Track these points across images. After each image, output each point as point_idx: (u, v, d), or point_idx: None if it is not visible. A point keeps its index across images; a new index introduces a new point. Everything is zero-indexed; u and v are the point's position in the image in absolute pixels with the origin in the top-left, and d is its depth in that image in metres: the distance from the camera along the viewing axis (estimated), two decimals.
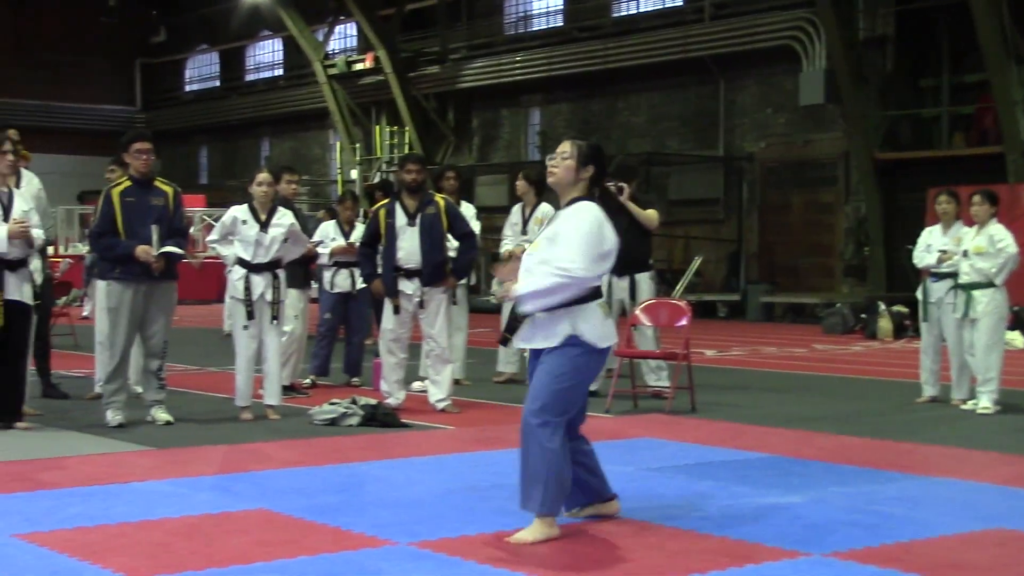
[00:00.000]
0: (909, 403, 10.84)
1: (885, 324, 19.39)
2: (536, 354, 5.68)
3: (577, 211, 5.61)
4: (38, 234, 8.86)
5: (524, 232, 11.93)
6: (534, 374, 5.66)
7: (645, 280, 11.01)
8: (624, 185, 10.78)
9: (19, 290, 8.72)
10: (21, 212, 8.70)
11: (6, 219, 8.61)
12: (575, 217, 5.58)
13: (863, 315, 20.36)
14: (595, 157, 5.73)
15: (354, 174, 33.49)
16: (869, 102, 23.28)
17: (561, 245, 5.50)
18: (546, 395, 5.53)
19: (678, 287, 23.30)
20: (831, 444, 8.46)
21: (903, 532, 5.69)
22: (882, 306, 19.82)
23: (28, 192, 9.16)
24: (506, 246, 12.12)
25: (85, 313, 20.79)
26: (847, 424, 9.49)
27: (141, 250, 8.86)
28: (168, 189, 9.23)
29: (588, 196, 5.69)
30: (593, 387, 11.60)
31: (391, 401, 9.89)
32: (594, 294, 5.63)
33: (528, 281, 5.54)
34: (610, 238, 5.61)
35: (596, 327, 5.59)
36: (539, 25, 31.99)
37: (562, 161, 5.70)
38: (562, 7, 31.20)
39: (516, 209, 12.34)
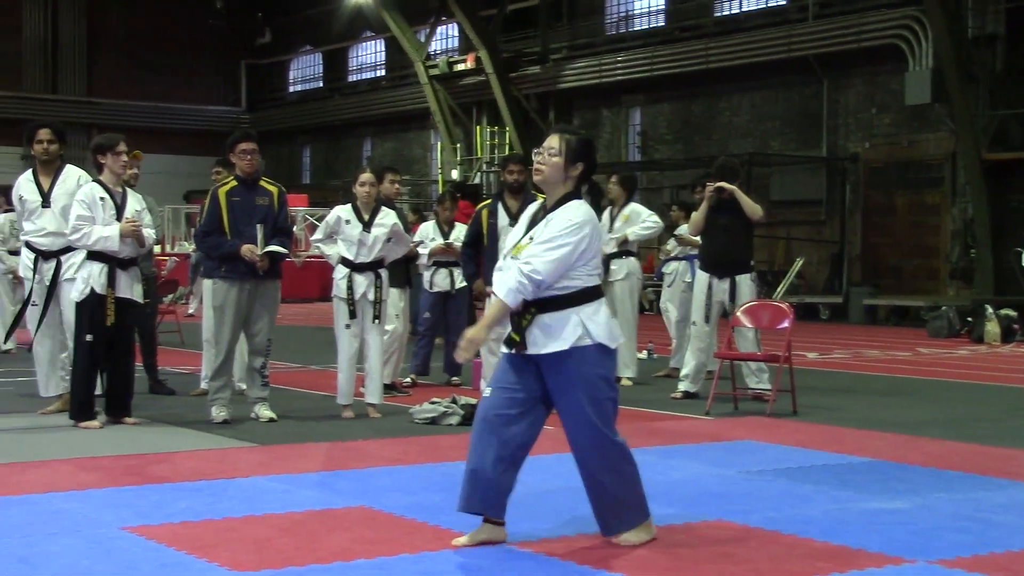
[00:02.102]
0: (1018, 408, 10.63)
1: (992, 328, 19.00)
2: (529, 357, 5.41)
3: (566, 211, 5.35)
4: (149, 234, 9.05)
5: (611, 231, 12.03)
6: (555, 391, 5.39)
7: (746, 282, 10.92)
8: (724, 186, 10.74)
9: (130, 288, 8.92)
10: (133, 212, 8.90)
11: (119, 219, 8.81)
12: (561, 218, 5.33)
13: (969, 318, 19.97)
14: (585, 152, 5.42)
15: (455, 174, 33.68)
16: (978, 101, 22.84)
17: (536, 244, 5.30)
18: (600, 416, 5.35)
19: (779, 289, 23.10)
20: (936, 449, 8.31)
21: (1012, 541, 5.58)
22: (989, 309, 19.42)
23: (66, 187, 9.30)
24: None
25: (191, 311, 21.18)
26: (953, 429, 9.32)
27: (246, 249, 9.00)
28: (273, 189, 9.36)
29: (576, 193, 5.43)
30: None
31: None
32: (597, 292, 5.40)
33: (500, 280, 5.35)
34: (594, 243, 5.35)
35: (605, 325, 5.37)
36: (640, 25, 31.87)
37: (549, 157, 5.37)
38: (664, 7, 31.05)
39: (605, 211, 12.43)
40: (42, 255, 9.30)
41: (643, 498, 5.48)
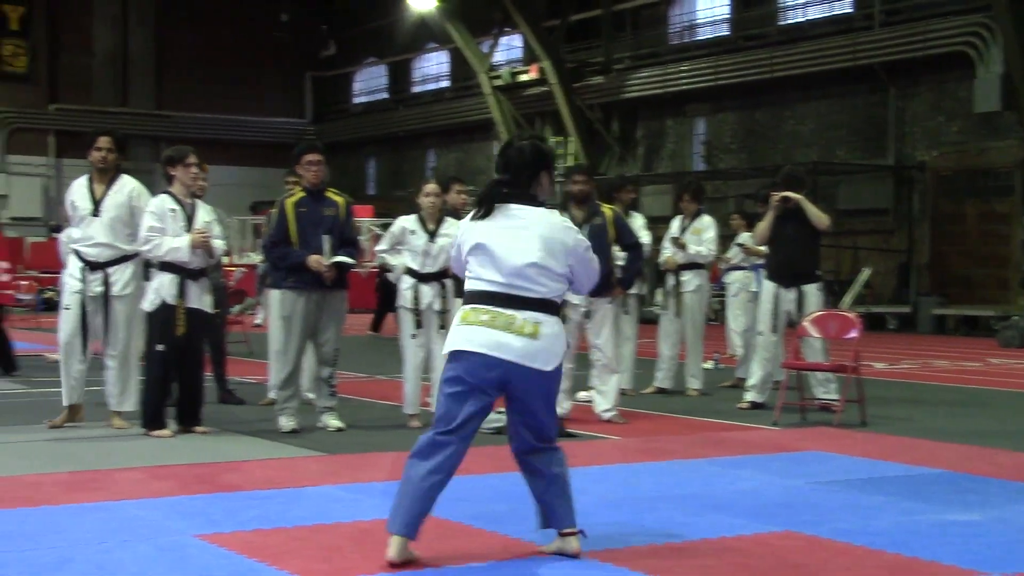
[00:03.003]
0: None
1: None
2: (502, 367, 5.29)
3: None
4: (218, 245, 9.14)
5: (674, 242, 12.15)
6: (522, 397, 5.37)
7: (813, 291, 10.86)
8: (790, 195, 10.69)
9: (200, 298, 9.02)
10: (203, 223, 8.99)
11: (189, 230, 8.92)
12: None
13: None
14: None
15: None
16: None
17: None
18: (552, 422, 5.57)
19: (846, 298, 22.91)
20: (1010, 461, 8.20)
21: None
22: None
23: (119, 198, 9.15)
24: (665, 254, 12.28)
25: (258, 321, 21.34)
26: None
27: (313, 259, 9.08)
28: (339, 200, 9.43)
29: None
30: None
31: (557, 411, 9.90)
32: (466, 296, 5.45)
33: None
34: (456, 248, 5.57)
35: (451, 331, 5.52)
36: (705, 34, 31.78)
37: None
38: (728, 16, 30.95)
39: (675, 221, 12.48)
40: (89, 266, 9.13)
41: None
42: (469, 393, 5.34)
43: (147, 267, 9.25)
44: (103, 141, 9.18)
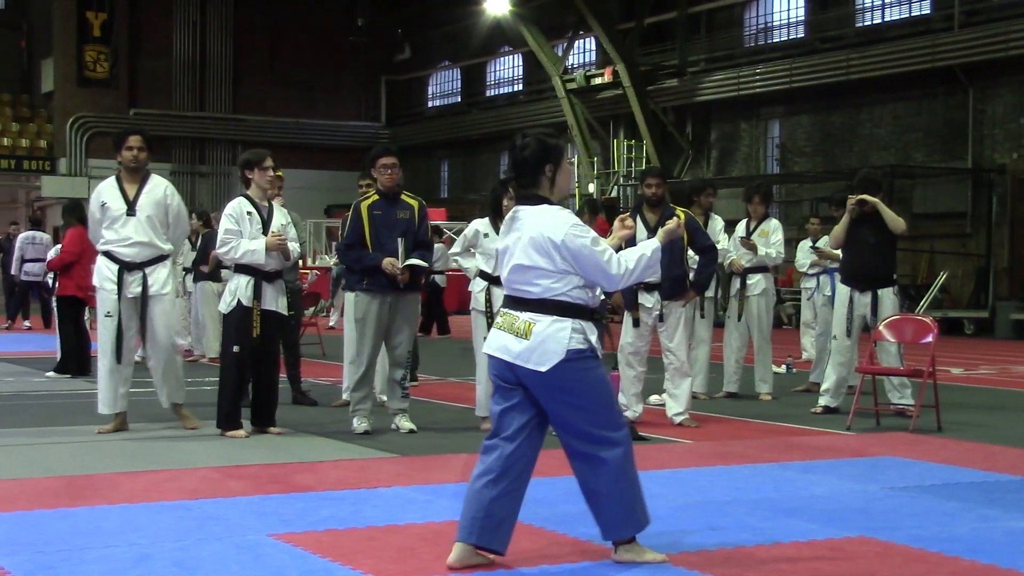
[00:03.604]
0: None
1: None
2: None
3: None
4: (294, 247, 9.24)
5: (743, 243, 12.19)
6: (536, 397, 5.36)
7: (888, 295, 10.76)
8: (866, 198, 10.60)
9: (275, 301, 9.12)
10: (279, 226, 9.10)
11: (265, 232, 9.02)
12: None
13: None
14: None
15: (591, 188, 33.69)
16: None
17: None
18: None
19: (922, 303, 22.64)
20: None
21: None
22: None
23: (153, 196, 9.06)
24: (730, 256, 12.24)
25: (332, 323, 21.54)
26: None
27: (387, 262, 9.14)
28: (413, 203, 9.49)
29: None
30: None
31: (629, 414, 9.91)
32: None
33: None
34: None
35: None
36: (780, 36, 31.55)
37: None
38: (804, 18, 30.71)
39: (742, 224, 12.43)
40: (126, 266, 8.99)
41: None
42: (500, 393, 5.43)
43: (222, 268, 9.34)
44: (134, 140, 9.06)
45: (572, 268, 5.27)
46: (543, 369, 5.23)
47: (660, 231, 5.76)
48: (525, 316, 5.30)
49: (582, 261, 5.27)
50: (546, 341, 5.24)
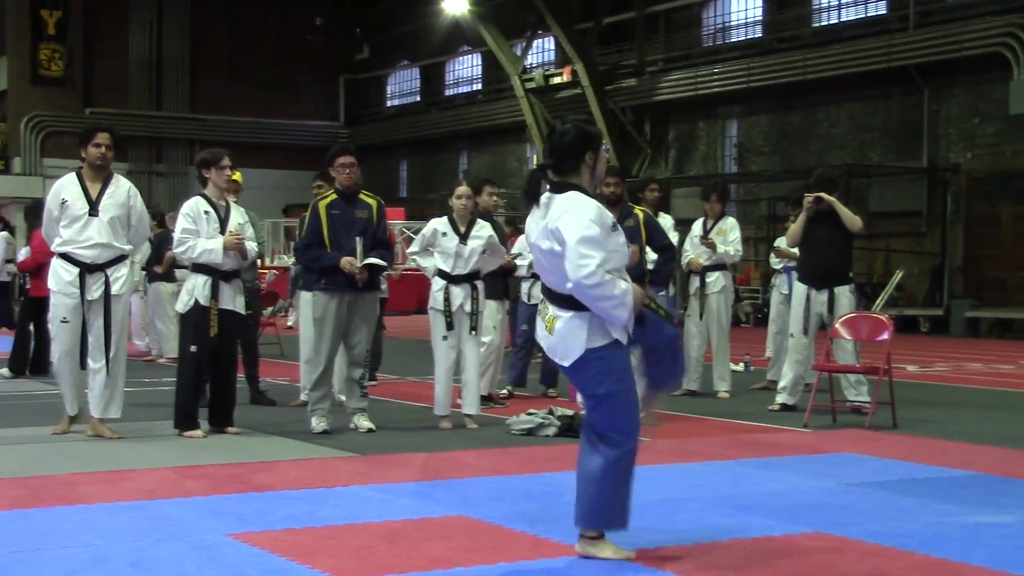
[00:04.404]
0: None
1: None
2: None
3: None
4: (252, 246, 9.21)
5: (702, 242, 12.24)
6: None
7: (845, 293, 10.83)
8: (823, 196, 10.67)
9: (233, 300, 9.09)
10: (237, 225, 9.06)
11: (223, 232, 8.97)
12: None
13: None
14: None
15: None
16: None
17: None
18: None
19: (878, 301, 22.82)
20: None
21: None
22: None
23: (116, 198, 8.78)
24: (689, 255, 12.27)
25: (290, 323, 21.45)
26: None
27: (345, 261, 9.13)
28: (372, 202, 9.47)
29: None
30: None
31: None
32: None
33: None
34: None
35: None
36: (738, 36, 31.71)
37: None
38: (762, 18, 30.87)
39: (698, 222, 12.47)
40: (87, 268, 8.68)
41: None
42: None
43: (178, 268, 9.26)
44: (103, 137, 8.76)
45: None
46: (566, 364, 5.35)
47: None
48: (551, 311, 5.34)
49: (561, 246, 5.17)
50: (566, 337, 5.29)
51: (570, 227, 5.16)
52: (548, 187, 5.41)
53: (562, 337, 5.29)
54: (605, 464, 5.31)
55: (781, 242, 13.40)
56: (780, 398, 10.98)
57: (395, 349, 17.39)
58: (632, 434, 5.34)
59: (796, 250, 11.43)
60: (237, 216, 9.16)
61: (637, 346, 5.48)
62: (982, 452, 8.64)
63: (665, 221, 11.86)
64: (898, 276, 24.61)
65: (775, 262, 13.96)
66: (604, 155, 5.47)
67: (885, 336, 10.17)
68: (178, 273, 13.97)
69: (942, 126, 26.26)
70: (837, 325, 10.45)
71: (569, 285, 5.18)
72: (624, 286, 5.19)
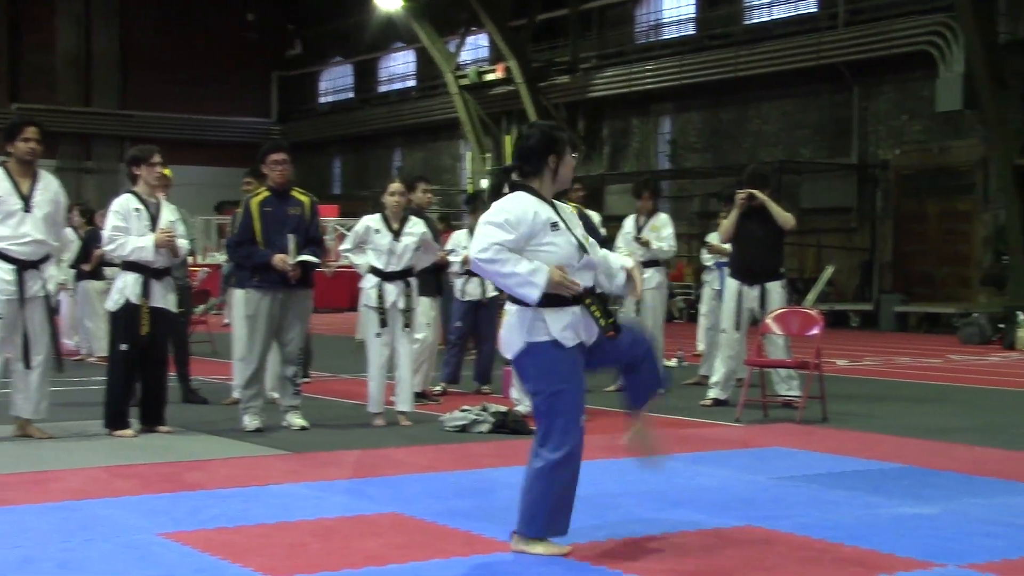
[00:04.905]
0: None
1: None
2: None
3: None
4: (183, 244, 9.13)
5: (637, 241, 12.25)
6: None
7: (776, 289, 10.93)
8: (755, 193, 10.76)
9: (164, 298, 9.01)
10: (167, 222, 8.98)
11: (153, 229, 8.89)
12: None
13: (1001, 325, 19.90)
14: None
15: (484, 184, 33.73)
16: (1009, 107, 22.70)
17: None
18: None
19: (809, 296, 23.05)
20: (968, 456, 8.31)
21: None
22: (1021, 316, 19.35)
23: (48, 194, 8.58)
24: (622, 252, 12.34)
25: (227, 321, 21.28)
26: (985, 436, 9.30)
27: (278, 259, 9.08)
28: (305, 199, 9.43)
29: None
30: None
31: (521, 408, 9.96)
32: None
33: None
34: None
35: None
36: (670, 34, 31.89)
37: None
38: (694, 15, 31.07)
39: (630, 219, 12.53)
40: (22, 265, 8.48)
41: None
42: None
43: (106, 266, 9.12)
44: (31, 131, 8.54)
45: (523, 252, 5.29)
46: (508, 356, 5.42)
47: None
48: (507, 306, 5.46)
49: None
50: (510, 330, 5.38)
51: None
52: (508, 188, 5.54)
53: (507, 329, 5.39)
54: (542, 467, 5.33)
55: (712, 238, 13.50)
56: (712, 393, 11.07)
57: (328, 346, 17.33)
58: (568, 438, 5.32)
59: (728, 246, 11.52)
60: (168, 213, 9.08)
61: (615, 364, 5.59)
62: (909, 445, 8.77)
63: (594, 218, 11.91)
64: (829, 272, 24.86)
65: (706, 258, 14.05)
66: (571, 160, 5.55)
67: (815, 331, 10.28)
68: (107, 271, 13.83)
69: (871, 123, 26.59)
70: (768, 320, 10.55)
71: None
72: (532, 266, 5.24)
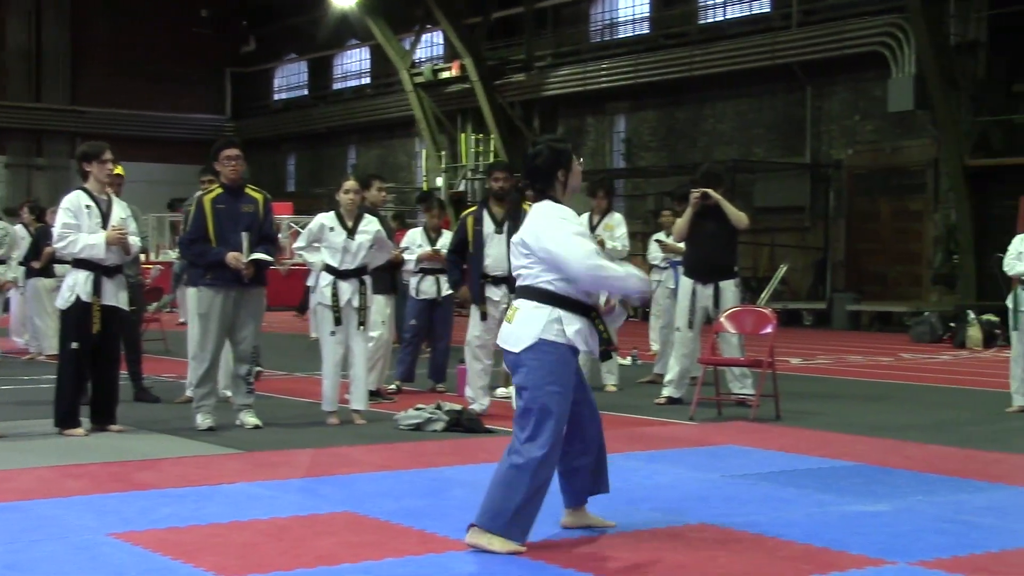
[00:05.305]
0: (999, 413, 10.69)
1: (974, 333, 19.12)
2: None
3: None
4: (134, 241, 9.05)
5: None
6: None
7: (730, 287, 10.98)
8: (709, 192, 10.79)
9: (116, 296, 8.92)
10: (119, 219, 8.89)
11: (105, 226, 8.81)
12: None
13: (952, 324, 20.10)
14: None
15: (439, 181, 33.70)
16: (960, 108, 22.95)
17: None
18: None
19: (763, 295, 23.16)
20: (919, 453, 8.38)
21: (991, 542, 5.63)
22: (971, 315, 19.55)
23: None
24: None
25: (183, 319, 21.13)
26: (935, 433, 9.39)
27: (231, 256, 9.01)
28: (258, 196, 9.37)
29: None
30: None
31: (475, 407, 9.96)
32: None
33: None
34: None
35: None
36: (625, 32, 31.97)
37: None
38: (648, 14, 31.17)
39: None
40: None
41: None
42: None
43: (57, 263, 9.00)
44: None
45: (548, 259, 5.44)
46: (516, 350, 5.43)
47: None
48: (516, 302, 5.55)
49: (548, 248, 5.41)
50: (524, 323, 5.44)
51: (547, 229, 5.46)
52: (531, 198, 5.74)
53: (520, 323, 5.46)
54: (523, 464, 5.35)
55: (660, 236, 13.56)
56: (666, 391, 11.10)
57: (282, 345, 17.26)
58: (553, 440, 5.37)
59: (682, 245, 11.55)
60: (119, 210, 8.99)
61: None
62: (861, 443, 8.83)
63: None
64: (782, 270, 25.00)
65: (653, 257, 14.07)
66: (578, 169, 5.73)
67: (769, 329, 10.34)
68: (57, 268, 13.69)
69: (824, 123, 26.77)
70: (722, 319, 10.59)
71: (580, 274, 5.40)
72: (622, 265, 5.65)
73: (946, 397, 12.31)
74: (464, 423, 9.28)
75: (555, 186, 5.63)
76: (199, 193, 9.66)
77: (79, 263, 8.79)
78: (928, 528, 5.91)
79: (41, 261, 14.38)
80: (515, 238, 5.62)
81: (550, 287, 5.45)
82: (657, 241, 13.88)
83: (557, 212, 5.54)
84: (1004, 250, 10.95)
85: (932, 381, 13.90)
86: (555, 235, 5.43)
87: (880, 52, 24.29)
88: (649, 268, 14.19)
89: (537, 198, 5.66)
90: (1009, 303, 10.73)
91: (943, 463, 7.91)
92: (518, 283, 5.61)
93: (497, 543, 5.33)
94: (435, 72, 34.55)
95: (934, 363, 16.36)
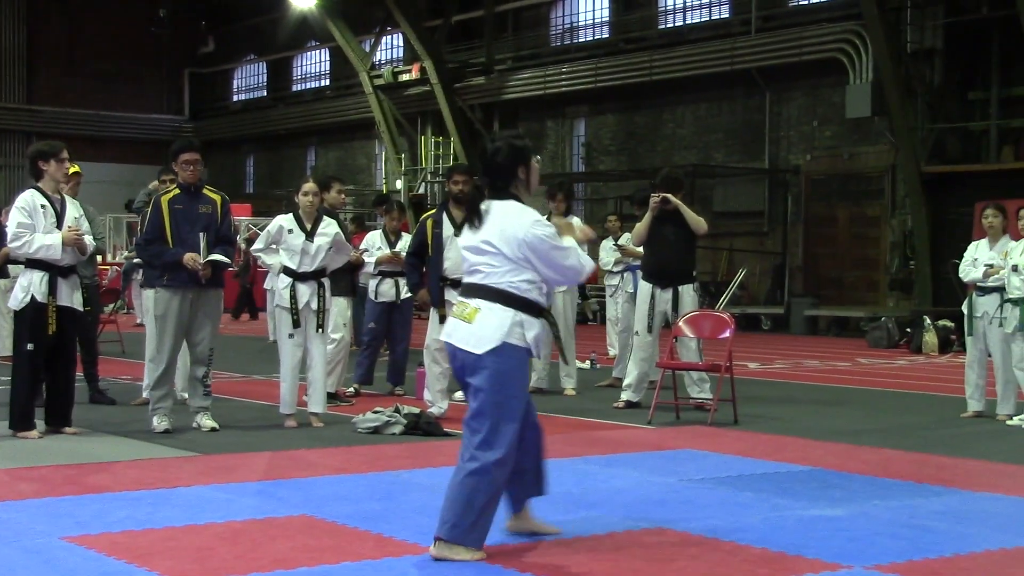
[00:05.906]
0: (954, 418, 10.77)
1: (931, 338, 19.26)
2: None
3: None
4: (90, 241, 8.97)
5: None
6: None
7: (688, 292, 11.01)
8: (669, 197, 10.82)
9: (71, 296, 8.84)
10: (73, 219, 8.81)
11: (59, 226, 8.72)
12: None
13: (908, 329, 20.24)
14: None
15: (399, 184, 33.65)
16: (917, 115, 23.14)
17: None
18: None
19: (722, 299, 23.28)
20: (875, 458, 8.43)
21: (946, 546, 5.67)
22: (928, 320, 19.70)
23: None
24: None
25: (140, 320, 21.00)
26: (891, 438, 9.44)
27: (188, 257, 8.95)
28: (216, 197, 9.31)
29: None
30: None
31: (434, 410, 9.94)
32: None
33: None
34: None
35: None
36: (585, 37, 32.03)
37: None
38: (609, 19, 31.24)
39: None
40: None
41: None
42: (464, 389, 5.63)
43: (10, 263, 8.88)
44: None
45: (529, 262, 5.38)
46: (478, 352, 5.35)
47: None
48: (474, 302, 5.42)
49: (540, 255, 5.38)
50: (487, 326, 5.35)
51: (536, 233, 5.41)
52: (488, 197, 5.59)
53: (483, 324, 5.36)
54: (477, 467, 5.29)
55: (625, 240, 13.58)
56: (625, 395, 11.11)
57: (239, 347, 17.17)
58: (508, 443, 5.33)
59: (641, 249, 11.57)
60: (73, 210, 8.90)
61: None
62: (817, 447, 8.87)
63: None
64: (741, 275, 25.16)
65: (604, 262, 14.10)
66: (536, 166, 5.68)
67: (727, 334, 10.37)
68: (11, 268, 13.54)
69: (783, 128, 26.93)
70: (681, 323, 10.62)
71: (579, 276, 5.56)
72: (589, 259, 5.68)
73: (902, 402, 12.39)
74: (422, 426, 9.26)
75: (516, 184, 5.56)
76: (153, 189, 9.55)
77: (33, 263, 8.69)
78: (883, 532, 5.94)
79: None
80: (472, 236, 5.49)
81: (513, 289, 5.38)
82: (618, 246, 13.90)
83: (533, 214, 5.47)
84: (960, 256, 11.05)
85: (888, 386, 13.99)
86: (542, 239, 5.40)
87: (838, 59, 24.47)
88: (601, 274, 14.22)
89: (495, 196, 5.55)
90: (965, 309, 10.81)
91: (899, 468, 7.96)
92: (473, 280, 5.48)
93: (463, 553, 5.29)
94: (395, 74, 34.50)
95: (890, 368, 16.47)
